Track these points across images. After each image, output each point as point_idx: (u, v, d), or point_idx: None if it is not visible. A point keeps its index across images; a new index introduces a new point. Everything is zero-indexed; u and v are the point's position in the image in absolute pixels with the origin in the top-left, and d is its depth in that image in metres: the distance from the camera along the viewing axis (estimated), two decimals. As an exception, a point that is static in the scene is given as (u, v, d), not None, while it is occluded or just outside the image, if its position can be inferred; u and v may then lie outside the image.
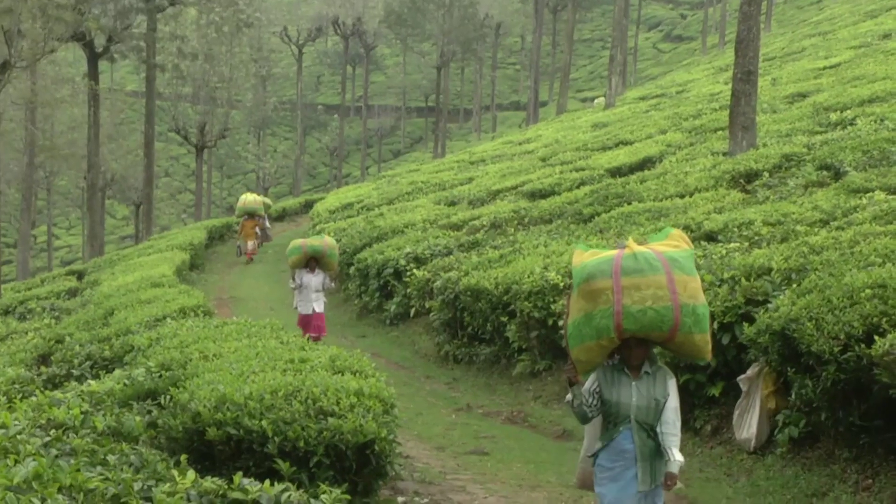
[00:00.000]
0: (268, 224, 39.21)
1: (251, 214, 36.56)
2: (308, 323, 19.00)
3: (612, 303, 6.45)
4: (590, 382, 6.87)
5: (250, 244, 36.31)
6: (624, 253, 6.63)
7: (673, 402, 6.82)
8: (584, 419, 6.94)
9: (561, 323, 14.58)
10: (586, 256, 6.83)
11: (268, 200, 39.25)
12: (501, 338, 16.83)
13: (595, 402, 6.84)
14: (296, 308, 19.05)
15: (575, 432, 13.30)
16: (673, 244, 6.81)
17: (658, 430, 6.77)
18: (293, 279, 19.03)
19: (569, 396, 6.90)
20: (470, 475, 11.17)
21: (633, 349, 6.72)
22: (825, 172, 18.92)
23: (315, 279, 18.84)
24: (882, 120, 22.29)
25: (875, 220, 13.70)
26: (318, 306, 18.91)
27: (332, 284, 19.69)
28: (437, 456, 12.12)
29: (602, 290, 6.51)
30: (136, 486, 4.26)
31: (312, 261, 18.75)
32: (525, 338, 16.05)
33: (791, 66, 41.39)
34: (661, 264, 6.51)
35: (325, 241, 19.03)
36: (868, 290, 9.68)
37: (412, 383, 17.06)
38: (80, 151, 53.76)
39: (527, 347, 16.15)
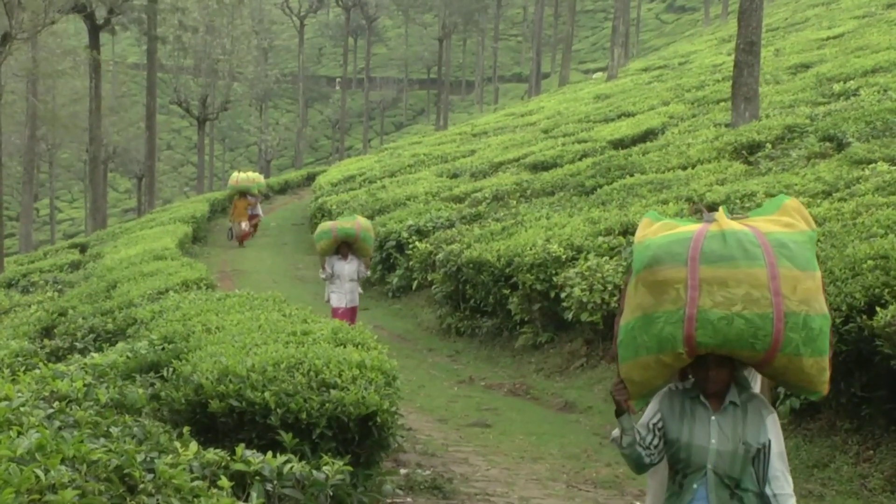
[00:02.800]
0: (259, 206, 35.24)
1: (243, 193, 33.34)
2: (340, 318, 16.22)
3: (684, 303, 4.53)
4: (649, 413, 4.93)
5: (244, 225, 33.34)
6: (709, 229, 4.67)
7: (777, 447, 4.82)
8: (640, 465, 4.94)
9: (563, 295, 14.62)
10: (655, 229, 4.89)
11: (261, 180, 35.78)
12: (503, 310, 16.85)
13: (656, 442, 4.90)
14: (327, 301, 16.50)
15: (577, 404, 13.35)
16: (785, 221, 4.74)
17: (763, 490, 4.80)
18: (323, 268, 16.52)
19: (616, 432, 4.93)
20: (472, 447, 11.22)
21: (711, 370, 4.73)
22: (828, 143, 18.90)
23: (349, 267, 16.37)
24: (885, 90, 22.24)
25: (877, 192, 13.71)
26: (352, 299, 16.51)
27: (368, 272, 17.27)
28: (439, 428, 12.16)
29: (670, 283, 4.58)
30: (139, 457, 4.28)
31: (344, 246, 16.25)
32: (527, 310, 16.07)
33: (794, 37, 41.23)
34: (763, 251, 4.53)
35: (359, 223, 16.44)
36: (870, 262, 9.69)
37: (414, 356, 17.10)
38: (82, 124, 53.73)
39: (529, 320, 16.18)
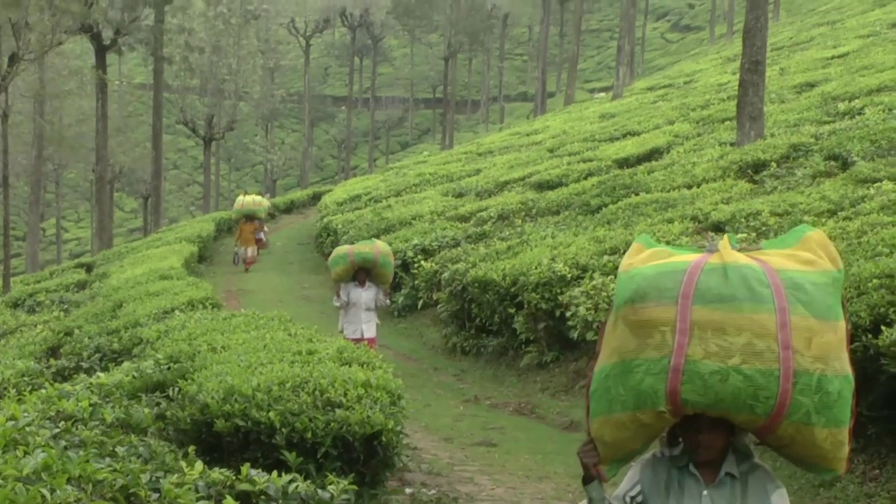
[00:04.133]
0: (265, 229, 33.92)
1: (250, 217, 31.98)
2: None
3: (670, 350, 3.70)
4: (627, 484, 4.11)
5: (249, 251, 32.04)
6: (708, 261, 3.82)
7: None
8: None
9: (569, 314, 14.63)
10: (644, 257, 4.00)
11: (266, 203, 34.51)
12: (509, 329, 16.85)
13: None
14: (341, 331, 15.22)
15: (582, 423, 13.30)
16: (805, 257, 3.86)
17: None
18: (338, 295, 15.42)
19: None
20: (477, 466, 11.21)
21: (702, 434, 3.88)
22: (833, 162, 18.92)
23: (366, 295, 15.29)
24: (890, 109, 22.28)
25: (882, 210, 13.70)
26: (370, 329, 15.40)
27: (387, 301, 16.03)
28: (444, 447, 12.16)
29: (655, 324, 3.75)
30: (145, 477, 4.29)
31: (362, 272, 15.20)
32: (532, 329, 16.08)
33: (799, 56, 41.31)
34: (772, 292, 3.68)
35: (377, 248, 15.30)
36: (875, 280, 9.69)
37: (420, 375, 17.10)
38: (89, 144, 53.93)
39: (534, 339, 16.18)
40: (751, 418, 3.71)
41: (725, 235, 3.97)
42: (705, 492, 3.96)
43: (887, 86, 25.83)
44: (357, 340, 14.05)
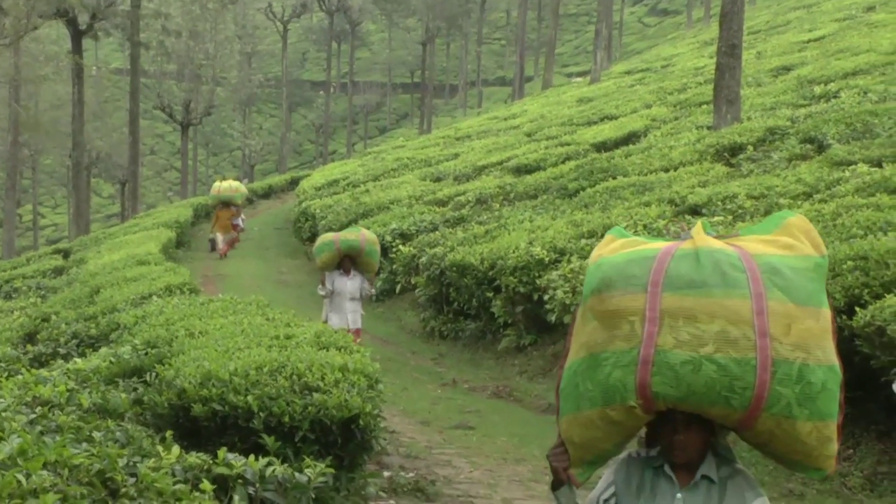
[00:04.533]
0: (242, 216, 33.54)
1: (226, 203, 31.51)
2: None
3: (640, 340, 3.49)
4: (601, 487, 3.88)
5: (226, 237, 31.54)
6: (679, 247, 3.61)
7: None
8: None
9: (546, 298, 14.67)
10: (614, 247, 3.79)
11: (243, 189, 33.52)
12: (487, 313, 16.89)
13: None
14: (325, 321, 14.49)
15: (560, 406, 13.37)
16: (785, 242, 3.64)
17: None
18: (322, 284, 15.33)
19: None
20: (455, 449, 11.25)
21: (678, 433, 3.63)
22: (809, 145, 19.01)
23: (351, 284, 15.09)
24: (865, 93, 22.39)
25: (857, 193, 13.80)
26: (355, 320, 15.21)
27: (373, 290, 16.02)
28: (422, 430, 12.20)
29: (623, 314, 3.53)
30: (121, 461, 4.30)
31: (347, 260, 14.98)
32: (510, 313, 16.12)
33: (776, 40, 41.43)
34: (748, 277, 3.47)
35: (364, 236, 15.07)
36: (850, 262, 9.77)
37: (398, 359, 17.12)
38: (65, 129, 53.69)
39: (512, 322, 16.23)
40: (727, 411, 3.46)
41: (699, 221, 3.78)
42: (679, 494, 3.70)
43: (862, 69, 25.96)
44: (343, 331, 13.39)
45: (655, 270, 3.56)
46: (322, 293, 15.38)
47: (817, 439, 3.53)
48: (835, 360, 3.56)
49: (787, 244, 3.63)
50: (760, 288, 3.45)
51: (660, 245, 3.70)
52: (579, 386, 3.64)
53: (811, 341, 3.47)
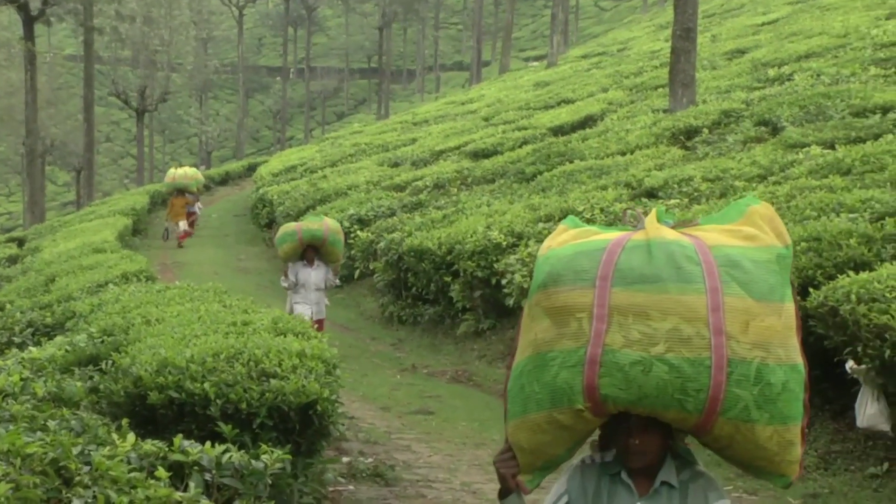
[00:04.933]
0: (199, 204, 33.19)
1: (181, 191, 30.97)
2: None
3: (587, 339, 3.26)
4: (553, 496, 3.67)
5: (181, 225, 30.91)
6: (630, 239, 3.40)
7: None
8: None
9: (504, 282, 14.70)
10: (565, 239, 3.55)
11: (199, 176, 33.19)
12: (445, 298, 16.91)
13: None
14: (289, 313, 13.39)
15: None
16: (747, 232, 3.40)
17: None
18: (285, 275, 14.94)
19: None
20: (415, 434, 11.28)
21: (633, 437, 3.40)
22: (763, 128, 19.17)
23: (315, 274, 14.73)
24: (818, 75, 22.57)
25: (811, 175, 13.93)
26: (319, 311, 14.86)
27: (337, 281, 15.64)
28: (382, 416, 12.21)
29: (570, 311, 3.31)
30: (76, 450, 4.27)
31: (310, 250, 14.63)
32: (469, 297, 16.15)
33: (730, 23, 41.69)
34: (703, 270, 3.25)
35: (327, 225, 14.73)
36: (803, 244, 9.86)
37: (357, 345, 17.12)
38: (18, 116, 53.13)
39: (471, 307, 16.26)
40: (681, 415, 3.24)
41: (654, 209, 3.56)
42: (638, 503, 3.47)
43: (815, 52, 26.18)
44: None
45: (605, 263, 3.32)
46: (285, 285, 15.04)
47: (778, 444, 3.32)
48: (798, 358, 3.34)
49: (749, 234, 3.38)
50: (717, 282, 3.22)
51: (612, 236, 3.46)
52: (525, 388, 3.41)
53: (772, 339, 3.24)
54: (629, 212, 3.65)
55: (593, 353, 3.23)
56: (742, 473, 8.86)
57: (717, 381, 3.17)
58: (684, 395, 3.18)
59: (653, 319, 3.20)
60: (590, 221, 14.78)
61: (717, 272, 3.24)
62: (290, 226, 15.09)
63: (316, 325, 13.54)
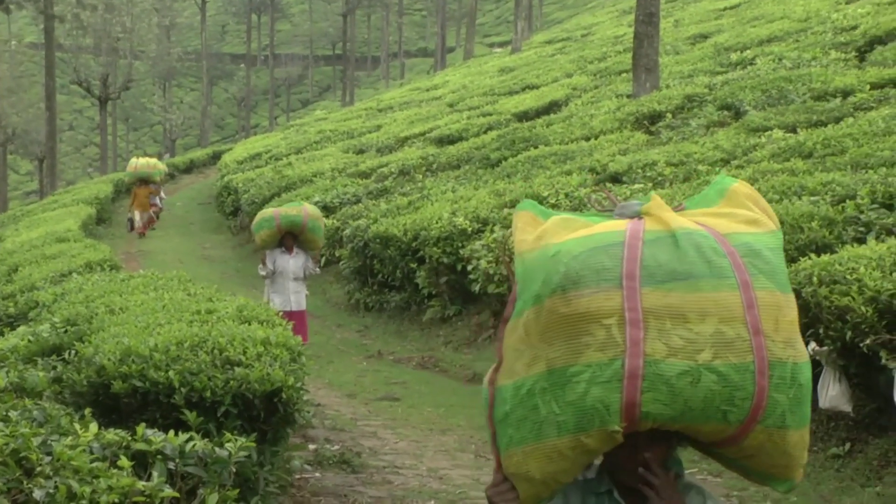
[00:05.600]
0: (162, 195, 32.48)
1: (144, 181, 30.22)
2: None
3: (622, 349, 2.85)
4: None
5: (144, 216, 30.29)
6: (647, 229, 3.00)
7: None
8: None
9: (470, 268, 14.70)
10: (551, 229, 3.11)
11: (162, 166, 32.60)
12: (411, 284, 16.92)
13: None
14: (267, 303, 13.35)
15: (485, 375, 13.46)
16: (744, 216, 3.08)
17: None
18: (263, 264, 14.37)
19: None
20: (381, 421, 11.29)
21: (641, 451, 3.02)
22: (726, 112, 19.29)
23: (293, 262, 14.23)
24: (780, 59, 22.73)
25: (773, 158, 14.04)
26: (298, 301, 14.38)
27: (317, 269, 15.22)
28: (348, 403, 12.22)
29: (596, 316, 2.88)
30: (37, 440, 4.25)
31: (289, 237, 14.15)
32: (435, 283, 16.17)
33: (693, 8, 41.86)
34: (729, 261, 2.91)
35: (306, 211, 14.26)
36: (765, 227, 9.92)
37: (323, 332, 17.10)
38: (-21, 106, 52.59)
39: (436, 293, 16.28)
40: (719, 427, 2.89)
41: (652, 192, 3.14)
42: None
43: (777, 36, 26.37)
44: (287, 314, 12.22)
45: (628, 260, 2.91)
46: (263, 273, 14.48)
47: (801, 448, 3.02)
48: (805, 351, 3.04)
49: (751, 219, 3.07)
50: (745, 275, 2.89)
51: (616, 225, 3.06)
52: (540, 409, 2.94)
53: (795, 335, 2.96)
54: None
55: (633, 365, 2.81)
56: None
57: (760, 386, 2.86)
58: (730, 406, 2.85)
59: (692, 322, 2.84)
60: (555, 206, 14.84)
61: (742, 264, 2.92)
62: (268, 212, 14.61)
63: (294, 318, 12.80)
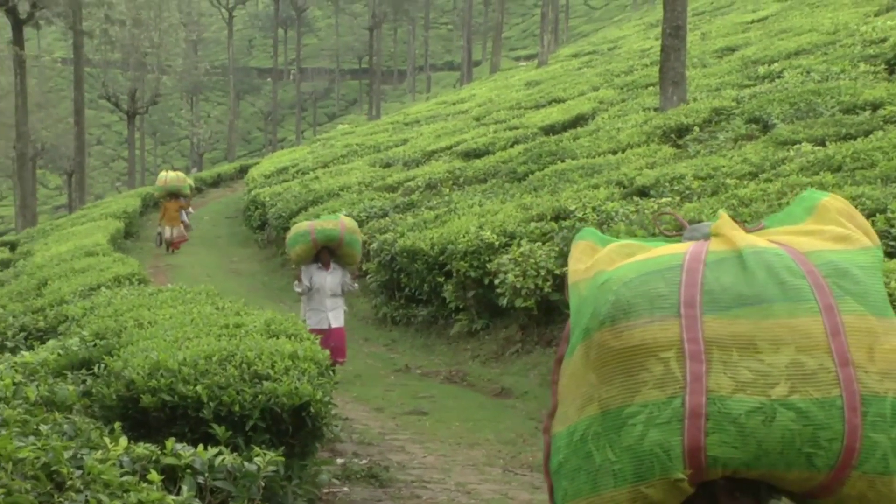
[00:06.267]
0: (189, 210, 31.23)
1: (174, 194, 29.38)
2: (323, 343, 11.77)
3: (682, 386, 2.50)
4: None
5: (175, 231, 29.42)
6: (710, 249, 2.67)
7: None
8: None
9: (497, 282, 14.68)
10: (608, 257, 2.80)
11: (189, 180, 31.85)
12: (438, 298, 16.90)
13: None
14: (303, 321, 12.81)
15: (512, 389, 13.44)
16: (833, 232, 2.72)
17: None
18: (299, 280, 13.72)
19: None
20: (409, 435, 11.27)
21: (716, 502, 2.62)
22: (754, 125, 19.19)
23: (331, 278, 13.54)
24: (808, 72, 22.61)
25: (802, 172, 13.96)
26: (336, 318, 13.66)
27: (355, 285, 14.26)
28: (375, 417, 12.20)
29: (652, 349, 2.55)
30: (68, 454, 4.27)
31: (325, 252, 13.46)
32: (462, 297, 16.14)
33: (720, 21, 41.72)
34: (809, 282, 2.56)
35: (343, 224, 13.47)
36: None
37: (350, 346, 17.03)
38: (8, 120, 52.99)
39: (463, 307, 16.25)
40: (806, 474, 2.48)
41: (721, 210, 2.87)
42: None
43: (805, 49, 26.23)
44: (322, 332, 12.66)
45: (687, 285, 2.57)
46: (299, 290, 13.82)
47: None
48: None
49: (840, 235, 2.66)
50: (829, 298, 2.51)
51: (678, 248, 2.71)
52: (594, 456, 2.58)
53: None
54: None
55: (695, 404, 2.45)
56: None
57: (851, 425, 2.43)
58: (815, 448, 2.44)
59: (763, 352, 2.46)
60: (582, 220, 14.81)
61: (826, 285, 2.53)
62: (303, 225, 13.79)
63: (332, 336, 13.08)
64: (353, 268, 14.06)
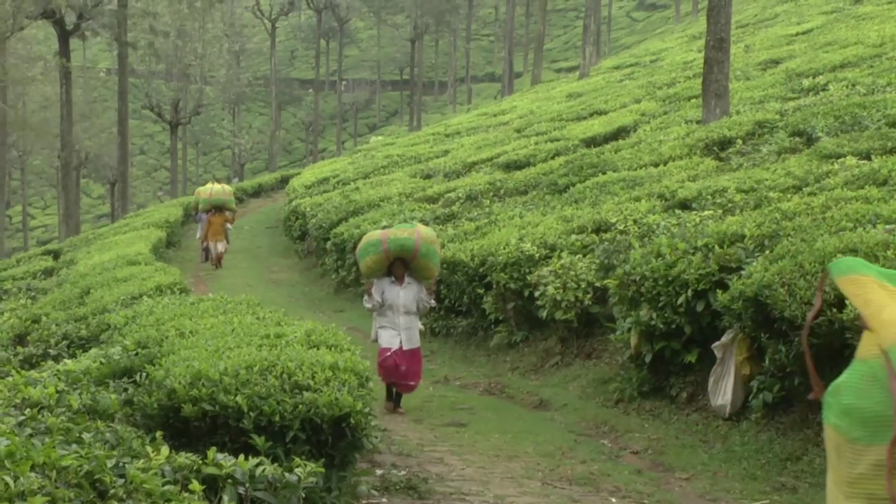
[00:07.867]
0: (228, 225, 28.98)
1: (219, 208, 28.19)
2: (393, 365, 12.43)
3: None
4: None
5: (220, 246, 28.23)
6: None
7: None
8: None
9: (537, 294, 14.63)
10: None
11: (229, 188, 30.32)
12: (478, 310, 16.88)
13: None
14: (374, 340, 12.60)
15: (552, 401, 13.38)
16: None
17: None
18: (369, 295, 12.45)
19: None
20: (447, 447, 11.23)
21: None
22: (798, 138, 19.04)
23: (404, 294, 12.41)
24: (853, 85, 22.43)
25: (846, 186, 13.81)
26: (410, 338, 12.54)
27: (432, 301, 12.97)
28: (414, 428, 12.17)
29: None
30: (110, 462, 4.29)
31: (399, 264, 12.32)
32: (501, 309, 16.11)
33: (764, 33, 41.49)
34: None
35: (419, 233, 12.26)
36: (839, 255, 9.75)
37: (390, 356, 17.09)
38: (54, 130, 53.69)
39: (503, 319, 16.22)
40: None
41: None
42: None
43: (850, 62, 26.03)
44: (395, 352, 12.27)
45: None
46: (369, 306, 12.64)
47: None
48: None
49: None
50: None
51: None
52: None
53: None
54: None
55: None
56: (779, 487, 8.80)
57: None
58: None
59: None
60: (623, 233, 14.76)
61: None
62: (374, 235, 12.56)
63: (406, 358, 12.43)
64: (431, 282, 12.82)
